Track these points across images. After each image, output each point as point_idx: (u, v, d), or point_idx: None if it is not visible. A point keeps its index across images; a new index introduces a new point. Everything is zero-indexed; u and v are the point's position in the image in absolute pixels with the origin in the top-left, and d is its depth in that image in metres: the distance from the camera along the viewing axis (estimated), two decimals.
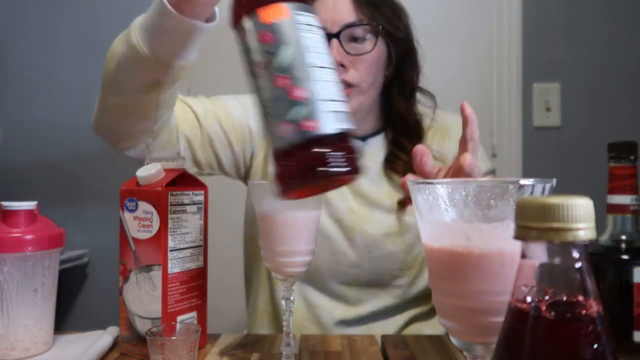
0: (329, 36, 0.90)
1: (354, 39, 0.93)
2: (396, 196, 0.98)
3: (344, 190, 0.99)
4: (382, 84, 0.98)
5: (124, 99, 0.81)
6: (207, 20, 0.73)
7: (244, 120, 1.02)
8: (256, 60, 0.52)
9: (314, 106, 0.49)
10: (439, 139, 1.01)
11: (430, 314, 1.02)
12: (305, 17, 0.52)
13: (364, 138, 1.01)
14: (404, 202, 0.95)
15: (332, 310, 0.98)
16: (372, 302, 0.98)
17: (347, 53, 0.92)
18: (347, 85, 0.92)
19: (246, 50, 0.53)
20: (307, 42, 0.51)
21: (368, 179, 0.99)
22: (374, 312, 0.98)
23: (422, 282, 0.99)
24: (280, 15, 0.51)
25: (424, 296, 1.01)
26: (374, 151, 1.01)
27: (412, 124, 1.00)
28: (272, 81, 0.51)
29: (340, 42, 0.91)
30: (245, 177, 1.06)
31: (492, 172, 1.01)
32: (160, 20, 0.71)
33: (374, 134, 1.02)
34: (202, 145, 0.97)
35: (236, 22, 0.54)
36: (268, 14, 0.52)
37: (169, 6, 0.69)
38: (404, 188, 0.64)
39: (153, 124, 0.85)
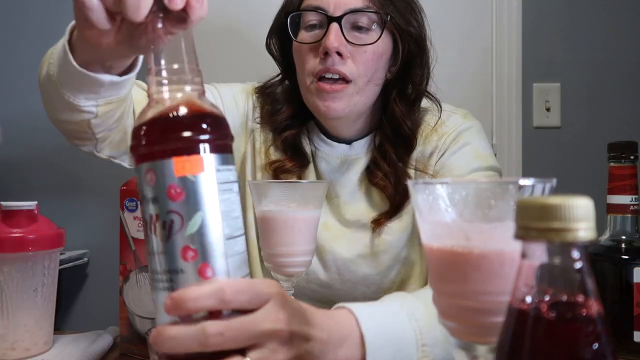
0: (329, 19, 0.83)
1: (357, 28, 0.84)
2: (372, 213, 0.91)
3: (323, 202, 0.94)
4: (382, 84, 0.89)
5: (54, 115, 0.73)
6: (124, 72, 0.64)
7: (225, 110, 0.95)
8: (154, 214, 0.43)
9: None
10: (425, 140, 0.92)
11: None
12: (226, 174, 0.44)
13: (349, 141, 0.93)
14: (379, 222, 0.89)
15: None
16: None
17: (348, 42, 0.83)
18: (342, 79, 0.83)
19: (143, 197, 0.44)
20: (225, 207, 0.43)
21: (348, 191, 0.92)
22: None
23: None
24: (200, 170, 0.43)
25: None
26: (357, 158, 0.92)
27: (404, 134, 0.89)
28: (174, 248, 0.43)
29: (341, 27, 0.82)
30: None
31: (496, 170, 0.91)
32: (66, 64, 0.62)
33: (362, 135, 0.94)
34: None
35: (139, 160, 0.44)
36: (185, 165, 0.42)
37: (69, 56, 0.60)
38: None
39: (92, 137, 0.75)
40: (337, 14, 0.82)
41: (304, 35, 0.87)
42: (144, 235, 0.45)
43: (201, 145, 0.43)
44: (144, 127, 0.44)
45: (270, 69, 0.99)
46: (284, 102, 0.95)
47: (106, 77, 0.62)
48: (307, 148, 0.95)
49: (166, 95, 0.45)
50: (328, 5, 0.83)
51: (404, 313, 0.61)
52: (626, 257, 0.72)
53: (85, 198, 1.64)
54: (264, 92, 0.98)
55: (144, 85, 0.88)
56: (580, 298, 0.27)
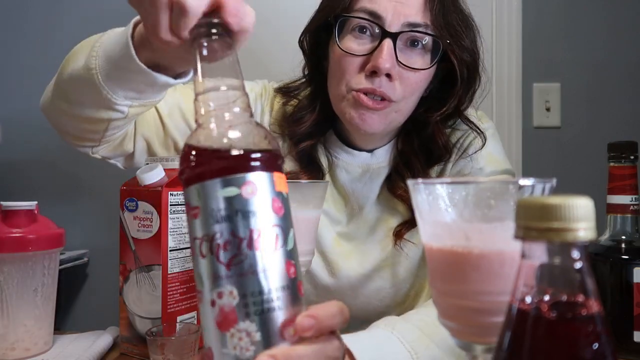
0: (384, 33, 0.75)
1: (412, 44, 0.77)
2: (392, 223, 0.88)
3: (338, 214, 0.89)
4: (416, 103, 0.83)
5: (72, 110, 0.71)
6: (178, 76, 0.63)
7: None
8: (255, 228, 0.40)
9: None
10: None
11: None
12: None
13: (370, 149, 0.88)
14: (400, 233, 0.86)
15: None
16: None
17: (399, 63, 0.76)
18: (386, 99, 0.77)
19: (230, 212, 0.40)
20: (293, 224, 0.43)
21: (371, 202, 0.88)
22: None
23: None
24: (287, 188, 0.44)
25: None
26: (378, 166, 0.88)
27: (433, 148, 0.85)
28: (281, 264, 0.41)
29: (395, 45, 0.74)
30: None
31: (509, 173, 0.89)
32: (123, 60, 0.61)
33: (382, 144, 0.89)
34: (164, 145, 0.87)
35: (228, 172, 0.41)
36: (281, 181, 0.43)
37: (133, 53, 0.59)
38: None
39: (100, 137, 0.75)
40: (394, 27, 0.75)
41: (351, 43, 0.78)
42: (222, 253, 0.41)
43: (282, 164, 0.45)
44: (232, 140, 0.42)
45: (273, 70, 0.95)
46: (308, 109, 0.88)
47: (161, 78, 0.61)
48: (323, 159, 0.89)
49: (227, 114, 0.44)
50: (386, 12, 0.75)
51: (395, 337, 0.61)
52: (626, 257, 0.72)
53: (85, 198, 1.64)
54: (287, 95, 0.91)
55: None
56: (580, 298, 0.27)
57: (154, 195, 0.70)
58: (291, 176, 0.87)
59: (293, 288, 0.41)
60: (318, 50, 0.86)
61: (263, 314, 0.39)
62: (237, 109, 0.44)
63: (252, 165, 0.41)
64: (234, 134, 0.42)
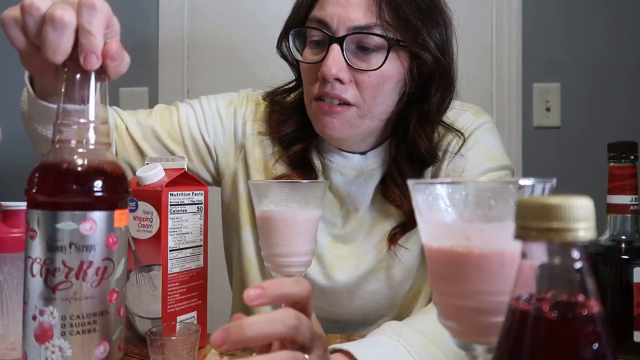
0: (330, 40, 0.75)
1: (362, 48, 0.76)
2: (386, 227, 0.87)
3: (333, 217, 0.89)
4: (395, 107, 0.81)
5: (38, 146, 0.78)
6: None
7: (197, 133, 0.91)
8: (87, 261, 0.45)
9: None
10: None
11: None
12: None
13: (363, 152, 0.88)
14: (395, 236, 0.86)
15: None
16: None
17: (349, 66, 0.76)
18: (342, 102, 0.77)
19: (66, 243, 0.44)
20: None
21: (365, 205, 0.88)
22: None
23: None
24: (127, 222, 0.49)
25: None
26: (373, 169, 0.87)
27: (419, 153, 0.83)
28: (103, 293, 0.46)
29: (342, 49, 0.75)
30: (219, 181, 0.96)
31: (508, 169, 0.88)
32: (28, 98, 0.66)
33: (376, 145, 0.88)
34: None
35: (69, 207, 0.44)
36: (122, 217, 0.47)
37: (28, 86, 0.64)
38: None
39: None
40: (340, 32, 0.75)
41: (308, 54, 0.81)
42: (50, 278, 0.44)
43: (128, 201, 0.50)
44: (78, 175, 0.45)
45: (268, 76, 0.95)
46: (293, 111, 0.89)
47: (42, 103, 0.64)
48: (317, 163, 0.89)
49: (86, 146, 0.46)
50: (332, 19, 0.75)
51: (401, 346, 0.61)
52: (626, 257, 0.72)
53: None
54: (273, 100, 0.92)
55: (123, 115, 0.91)
56: (581, 298, 0.27)
57: (154, 195, 0.70)
58: (287, 178, 0.87)
59: (113, 312, 0.46)
60: (294, 58, 0.87)
61: (78, 335, 0.44)
62: (91, 140, 0.46)
63: (94, 203, 0.45)
64: (80, 168, 0.45)
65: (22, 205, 0.72)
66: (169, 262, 0.71)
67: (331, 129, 0.79)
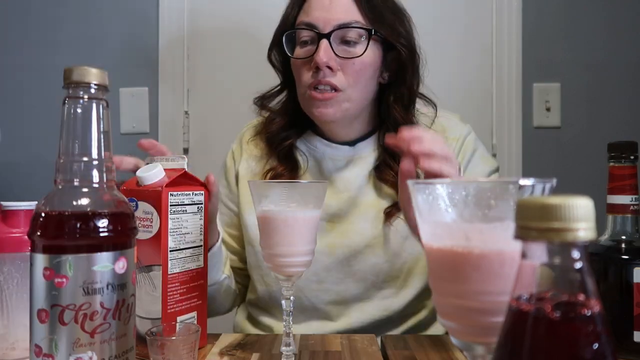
0: (319, 36, 0.89)
1: (346, 42, 0.90)
2: (382, 204, 0.95)
3: (329, 198, 0.94)
4: (374, 90, 0.96)
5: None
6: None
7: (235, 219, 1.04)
8: (121, 299, 0.47)
9: None
10: None
11: (425, 324, 0.99)
12: None
13: (352, 142, 0.99)
14: (390, 213, 0.93)
15: (316, 330, 0.94)
16: (357, 316, 0.95)
17: (337, 55, 0.90)
18: (332, 88, 0.90)
19: (104, 284, 0.46)
20: None
21: (356, 186, 0.97)
22: (362, 326, 0.95)
23: (409, 292, 0.95)
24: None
25: (414, 309, 0.98)
26: (363, 157, 0.98)
27: None
28: (131, 329, 0.49)
29: (330, 42, 0.89)
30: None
31: (498, 170, 1.00)
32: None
33: (364, 137, 0.99)
34: (236, 227, 1.03)
35: (98, 249, 0.46)
36: (135, 251, 0.51)
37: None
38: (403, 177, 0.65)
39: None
40: (327, 30, 0.89)
41: (299, 51, 0.94)
42: (88, 322, 0.45)
43: (129, 201, 0.52)
44: (114, 215, 0.47)
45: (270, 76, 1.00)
46: (279, 112, 1.02)
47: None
48: (308, 156, 1.01)
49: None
50: (318, 21, 0.90)
51: None
52: (626, 257, 0.72)
53: None
54: (262, 103, 1.03)
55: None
56: (581, 298, 0.27)
57: (154, 196, 0.70)
58: (275, 174, 0.98)
59: (135, 347, 0.49)
60: (285, 63, 1.00)
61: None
62: (104, 179, 0.49)
63: (126, 241, 0.47)
64: (108, 208, 0.47)
65: (22, 205, 0.72)
66: (169, 262, 0.71)
67: (326, 114, 0.92)
